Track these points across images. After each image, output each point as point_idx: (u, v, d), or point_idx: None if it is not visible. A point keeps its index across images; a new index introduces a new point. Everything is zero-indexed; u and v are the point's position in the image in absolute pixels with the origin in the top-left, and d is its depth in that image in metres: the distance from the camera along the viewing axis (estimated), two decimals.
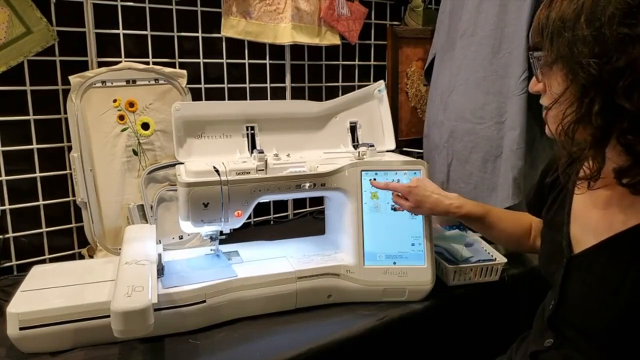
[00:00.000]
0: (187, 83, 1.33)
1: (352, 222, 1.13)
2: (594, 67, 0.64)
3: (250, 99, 1.54)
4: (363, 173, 1.14)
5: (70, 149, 1.25)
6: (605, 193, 0.76)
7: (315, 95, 1.67)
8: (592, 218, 0.78)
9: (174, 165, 1.22)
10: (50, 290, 0.98)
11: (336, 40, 1.63)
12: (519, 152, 1.28)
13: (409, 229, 1.13)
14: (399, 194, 1.10)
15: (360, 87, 1.50)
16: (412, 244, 1.12)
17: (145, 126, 1.29)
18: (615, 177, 0.70)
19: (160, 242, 1.26)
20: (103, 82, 1.24)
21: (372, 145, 1.20)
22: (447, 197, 1.08)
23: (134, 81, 1.27)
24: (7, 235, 1.24)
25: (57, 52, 1.23)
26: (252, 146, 1.21)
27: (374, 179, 1.13)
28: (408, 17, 1.79)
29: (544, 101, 0.76)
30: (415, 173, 1.14)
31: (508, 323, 1.19)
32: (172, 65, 1.38)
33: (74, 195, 1.28)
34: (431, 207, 1.07)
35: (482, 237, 1.35)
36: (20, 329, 0.89)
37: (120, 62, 1.29)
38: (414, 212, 1.10)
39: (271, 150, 1.18)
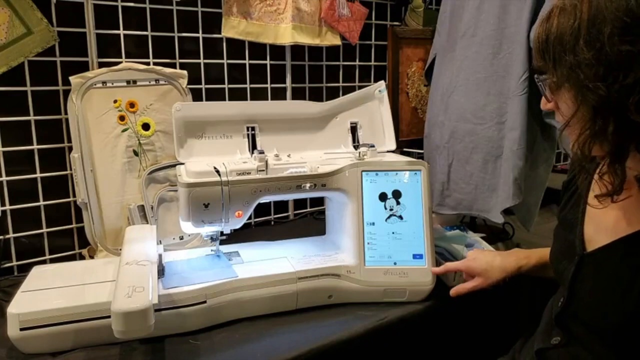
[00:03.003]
0: (188, 83, 1.33)
1: (352, 223, 1.13)
2: (602, 89, 0.64)
3: (251, 100, 1.54)
4: (364, 173, 1.14)
5: (70, 149, 1.25)
6: (624, 194, 0.76)
7: (316, 96, 1.67)
8: (608, 218, 0.78)
9: (174, 165, 1.22)
10: (51, 290, 0.98)
11: (337, 41, 1.63)
12: (520, 153, 1.28)
13: (409, 229, 1.13)
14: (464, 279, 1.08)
15: (360, 87, 1.50)
16: (413, 245, 1.12)
17: (146, 127, 1.29)
18: (638, 183, 0.70)
19: (160, 243, 1.26)
20: (103, 82, 1.24)
21: (372, 146, 1.20)
22: (509, 254, 1.06)
23: (135, 82, 1.27)
24: (7, 236, 1.24)
25: (57, 53, 1.24)
26: (253, 147, 1.21)
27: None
28: (408, 17, 1.79)
29: (559, 118, 0.75)
30: (415, 174, 1.14)
31: (509, 324, 1.19)
32: (173, 65, 1.38)
33: (74, 195, 1.28)
34: (500, 269, 1.03)
35: (482, 238, 1.35)
36: (21, 329, 0.89)
37: (121, 62, 1.29)
38: (487, 285, 1.05)
39: (272, 150, 1.18)
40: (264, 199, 1.11)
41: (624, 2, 0.63)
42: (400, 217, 1.13)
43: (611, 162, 0.68)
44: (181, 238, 1.33)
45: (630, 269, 0.72)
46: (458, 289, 1.08)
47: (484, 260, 1.06)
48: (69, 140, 1.26)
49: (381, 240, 1.12)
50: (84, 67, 1.26)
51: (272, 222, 1.66)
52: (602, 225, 0.78)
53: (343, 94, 1.35)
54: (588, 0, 0.66)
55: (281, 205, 1.68)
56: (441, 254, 1.22)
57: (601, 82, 0.64)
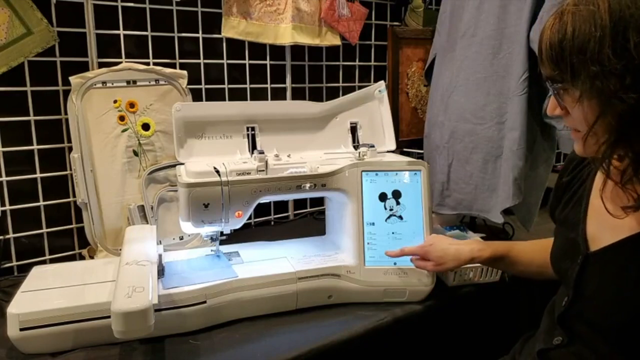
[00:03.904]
0: (188, 84, 1.33)
1: (352, 223, 1.13)
2: (633, 97, 0.62)
3: (251, 100, 1.54)
4: (363, 174, 1.14)
5: (70, 149, 1.25)
6: (629, 194, 0.75)
7: (316, 96, 1.67)
8: (612, 216, 0.77)
9: (174, 165, 1.22)
10: (51, 290, 0.98)
11: (337, 41, 1.63)
12: (520, 153, 1.28)
13: (409, 229, 1.13)
14: (417, 257, 1.09)
15: (360, 87, 1.50)
16: (413, 245, 1.12)
17: (146, 127, 1.29)
18: None
19: (160, 243, 1.26)
20: (103, 82, 1.24)
21: (372, 146, 1.20)
22: (466, 244, 1.07)
23: (135, 82, 1.27)
24: (7, 236, 1.24)
25: (57, 53, 1.23)
26: (253, 147, 1.22)
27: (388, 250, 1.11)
28: (408, 17, 1.79)
29: (574, 124, 0.73)
30: (415, 174, 1.14)
31: (508, 324, 1.19)
32: (173, 65, 1.38)
33: (74, 195, 1.28)
34: (454, 258, 1.04)
35: (482, 238, 1.35)
36: (21, 329, 0.89)
37: (121, 62, 1.29)
38: (440, 269, 1.07)
39: (272, 150, 1.18)
40: (264, 199, 1.11)
41: None
42: (400, 217, 1.13)
43: (636, 170, 0.67)
44: (181, 238, 1.33)
45: (637, 267, 0.72)
46: (404, 251, 1.09)
47: (439, 247, 1.06)
48: (69, 140, 1.25)
49: (381, 240, 1.12)
50: (84, 67, 1.26)
51: (272, 222, 1.66)
52: (605, 223, 0.77)
53: (343, 94, 1.35)
54: (608, 6, 0.63)
55: (281, 205, 1.68)
56: None
57: (632, 91, 0.62)
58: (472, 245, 1.06)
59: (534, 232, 1.40)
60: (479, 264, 1.17)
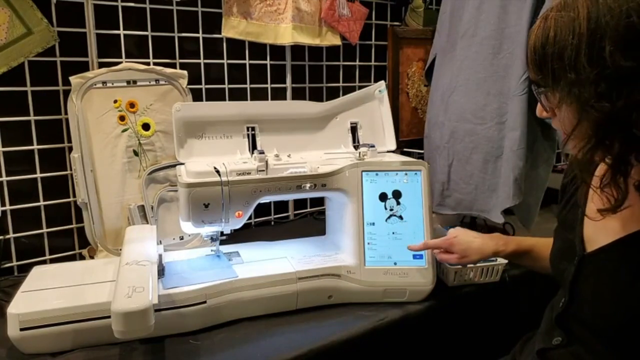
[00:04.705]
0: (188, 84, 1.33)
1: (352, 223, 1.13)
2: (607, 105, 0.63)
3: (251, 100, 1.54)
4: (364, 174, 1.14)
5: (70, 149, 1.25)
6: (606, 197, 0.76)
7: (316, 96, 1.67)
8: (607, 218, 0.76)
9: (174, 165, 1.22)
10: (51, 291, 0.98)
11: (337, 41, 1.63)
12: (520, 153, 1.28)
13: (409, 229, 1.13)
14: (441, 250, 1.09)
15: (361, 87, 1.50)
16: (415, 243, 1.12)
17: (146, 127, 1.29)
18: (637, 190, 0.70)
19: (160, 243, 1.26)
20: (104, 82, 1.24)
21: (372, 146, 1.20)
22: (490, 238, 1.08)
23: (135, 82, 1.27)
24: (7, 236, 1.24)
25: (57, 53, 1.24)
26: (253, 147, 1.22)
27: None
28: (409, 17, 1.79)
29: (557, 125, 0.74)
30: (415, 174, 1.14)
31: (509, 324, 1.18)
32: (173, 65, 1.39)
33: (74, 195, 1.28)
34: (478, 251, 1.06)
35: None
36: (21, 329, 0.89)
37: (121, 62, 1.29)
38: (463, 262, 1.08)
39: (272, 150, 1.18)
40: (264, 199, 1.11)
41: (625, 17, 0.61)
42: (401, 217, 1.13)
43: (614, 174, 0.67)
44: (181, 238, 1.33)
45: (630, 268, 0.72)
46: (427, 244, 1.10)
47: (464, 240, 1.07)
48: (69, 140, 1.26)
49: (381, 240, 1.12)
50: (84, 67, 1.26)
51: (272, 222, 1.66)
52: (601, 225, 0.78)
53: (343, 94, 1.35)
54: (586, 13, 0.63)
55: (281, 205, 1.68)
56: None
57: (605, 98, 0.62)
58: (496, 239, 1.07)
59: (534, 232, 1.40)
60: (483, 264, 1.18)
